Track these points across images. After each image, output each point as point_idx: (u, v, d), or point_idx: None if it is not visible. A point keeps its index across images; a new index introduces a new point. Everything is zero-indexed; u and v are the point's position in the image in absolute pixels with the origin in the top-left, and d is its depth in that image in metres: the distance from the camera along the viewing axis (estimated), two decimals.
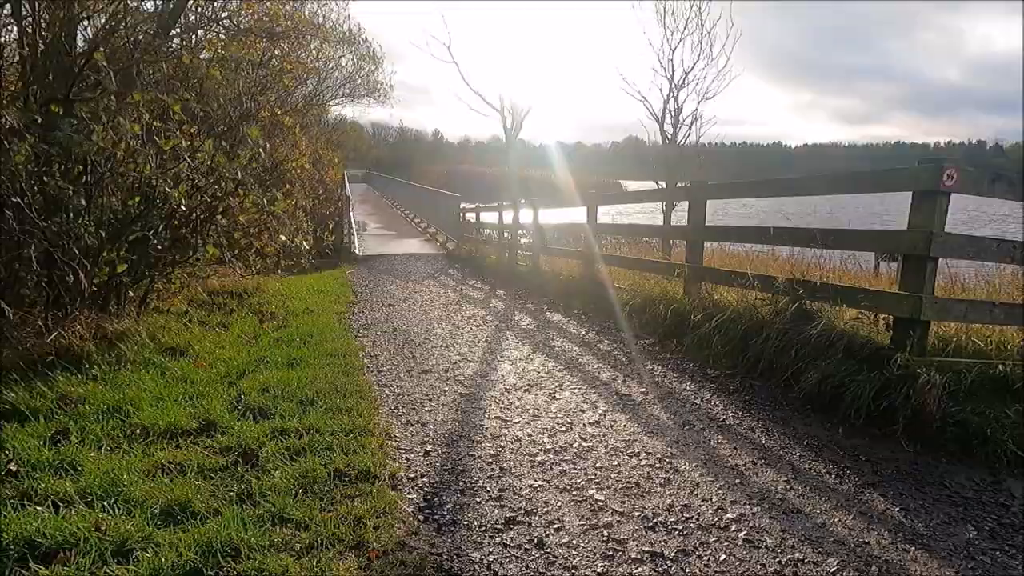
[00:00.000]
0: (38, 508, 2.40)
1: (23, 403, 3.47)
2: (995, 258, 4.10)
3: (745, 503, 2.67)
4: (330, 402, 3.68)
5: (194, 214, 6.03)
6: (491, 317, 6.85)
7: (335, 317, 6.52)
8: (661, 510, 2.61)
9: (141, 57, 6.27)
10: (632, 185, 38.96)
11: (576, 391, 4.15)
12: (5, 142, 4.40)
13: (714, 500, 2.70)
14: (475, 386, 4.28)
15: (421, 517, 2.53)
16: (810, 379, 3.72)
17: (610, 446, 3.25)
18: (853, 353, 3.75)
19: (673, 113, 15.32)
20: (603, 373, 4.58)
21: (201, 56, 9.50)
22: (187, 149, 5.60)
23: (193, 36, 10.86)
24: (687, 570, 2.20)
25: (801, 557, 2.28)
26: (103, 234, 4.95)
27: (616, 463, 3.05)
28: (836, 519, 2.54)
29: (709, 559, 2.27)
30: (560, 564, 2.23)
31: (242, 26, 11.02)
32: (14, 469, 2.73)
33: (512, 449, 3.21)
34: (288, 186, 11.52)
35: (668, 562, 2.24)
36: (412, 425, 3.54)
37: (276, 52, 12.69)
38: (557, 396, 4.05)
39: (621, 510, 2.60)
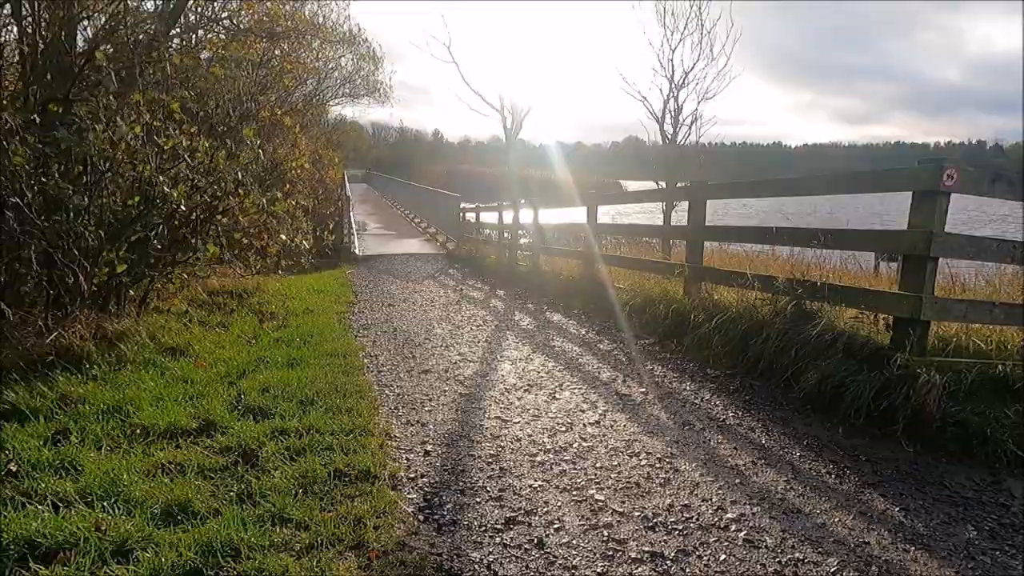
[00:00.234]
0: (38, 508, 2.40)
1: (23, 403, 3.47)
2: (995, 258, 4.11)
3: (745, 503, 2.67)
4: (330, 402, 3.68)
5: (194, 214, 6.03)
6: (491, 317, 6.85)
7: (335, 317, 6.52)
8: (661, 510, 2.61)
9: (142, 57, 6.26)
10: (632, 185, 38.95)
11: (576, 391, 4.15)
12: (4, 142, 4.39)
13: (714, 500, 2.70)
14: (475, 386, 4.28)
15: (421, 517, 2.53)
16: (810, 379, 3.72)
17: (610, 446, 3.25)
18: (853, 353, 3.75)
19: (673, 113, 15.32)
20: (603, 373, 4.58)
21: (201, 56, 9.51)
22: (187, 149, 5.60)
23: (193, 36, 10.87)
24: (687, 570, 2.20)
25: (801, 557, 2.28)
26: (103, 234, 4.95)
27: (616, 463, 3.05)
28: (836, 519, 2.54)
29: (709, 559, 2.27)
30: (560, 564, 2.23)
31: (242, 26, 11.03)
32: (14, 469, 2.73)
33: (512, 449, 3.21)
34: (288, 186, 11.51)
35: (668, 562, 2.24)
36: (412, 425, 3.54)
37: (276, 52, 12.69)
38: (557, 396, 4.05)
39: (621, 510, 2.60)
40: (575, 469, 2.99)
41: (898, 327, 3.73)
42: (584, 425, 3.54)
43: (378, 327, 6.20)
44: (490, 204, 15.17)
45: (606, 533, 2.43)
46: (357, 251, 14.57)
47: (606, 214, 10.45)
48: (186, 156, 5.59)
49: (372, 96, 25.15)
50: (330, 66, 21.19)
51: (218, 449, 3.04)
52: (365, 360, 4.86)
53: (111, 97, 5.27)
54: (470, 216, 16.17)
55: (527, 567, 2.21)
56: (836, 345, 3.83)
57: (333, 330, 5.77)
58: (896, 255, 5.57)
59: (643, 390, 4.17)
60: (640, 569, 2.20)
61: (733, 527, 2.48)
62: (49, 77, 5.62)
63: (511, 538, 2.39)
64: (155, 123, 5.47)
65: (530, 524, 2.49)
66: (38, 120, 4.80)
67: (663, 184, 14.97)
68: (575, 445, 3.26)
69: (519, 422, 3.59)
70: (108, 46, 6.32)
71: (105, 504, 2.46)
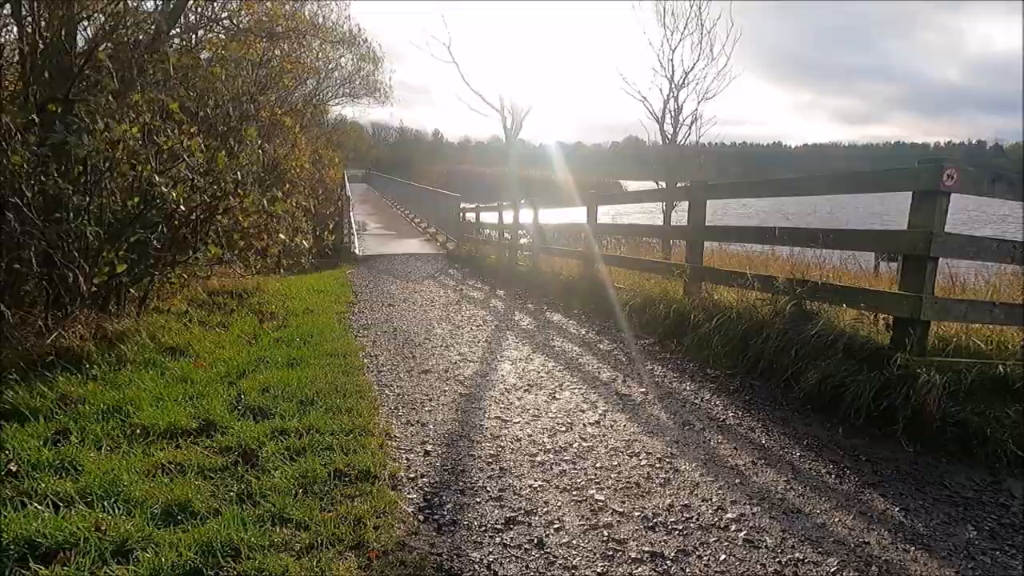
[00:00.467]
0: (38, 508, 2.40)
1: (23, 403, 3.47)
2: (995, 258, 4.11)
3: (745, 503, 2.67)
4: (330, 402, 3.68)
5: (194, 214, 6.03)
6: (491, 317, 6.85)
7: (335, 317, 6.52)
8: (661, 510, 2.61)
9: (142, 57, 6.26)
10: (632, 185, 38.97)
11: (576, 391, 4.15)
12: (4, 143, 4.39)
13: (714, 500, 2.70)
14: (475, 386, 4.28)
15: (421, 517, 2.53)
16: (810, 379, 3.72)
17: (610, 446, 3.25)
18: (853, 353, 3.75)
19: (673, 113, 15.31)
20: (603, 373, 4.58)
21: (201, 56, 9.50)
22: (186, 149, 5.60)
23: (193, 36, 10.86)
24: (687, 570, 2.20)
25: (801, 557, 2.28)
26: (103, 234, 4.95)
27: (616, 463, 3.05)
28: (836, 519, 2.54)
29: (709, 559, 2.27)
30: (560, 564, 2.23)
31: (242, 26, 11.03)
32: (14, 469, 2.73)
33: (512, 449, 3.21)
34: (288, 186, 11.51)
35: (668, 562, 2.24)
36: (412, 425, 3.54)
37: (276, 52, 12.69)
38: (557, 396, 4.05)
39: (621, 510, 2.60)
40: (575, 469, 2.99)
41: (898, 327, 3.73)
42: (584, 425, 3.54)
43: (378, 327, 6.20)
44: (490, 204, 15.17)
45: (606, 533, 2.43)
46: (357, 251, 14.57)
47: (606, 214, 10.44)
48: (185, 156, 5.58)
49: (372, 96, 25.19)
50: (330, 66, 21.21)
51: (218, 449, 3.04)
52: (365, 360, 4.86)
53: (111, 97, 5.28)
54: (470, 216, 16.17)
55: (527, 567, 2.21)
56: (836, 345, 3.82)
57: (333, 330, 5.77)
58: (896, 255, 5.57)
59: (643, 390, 4.17)
60: (640, 569, 2.20)
61: (733, 527, 2.48)
62: (49, 77, 5.62)
63: (511, 538, 2.39)
64: (155, 123, 5.47)
65: (530, 524, 2.49)
66: (38, 120, 4.80)
67: (663, 184, 14.97)
68: (575, 445, 3.26)
69: (519, 422, 3.59)
70: (108, 45, 6.32)
71: (105, 504, 2.46)
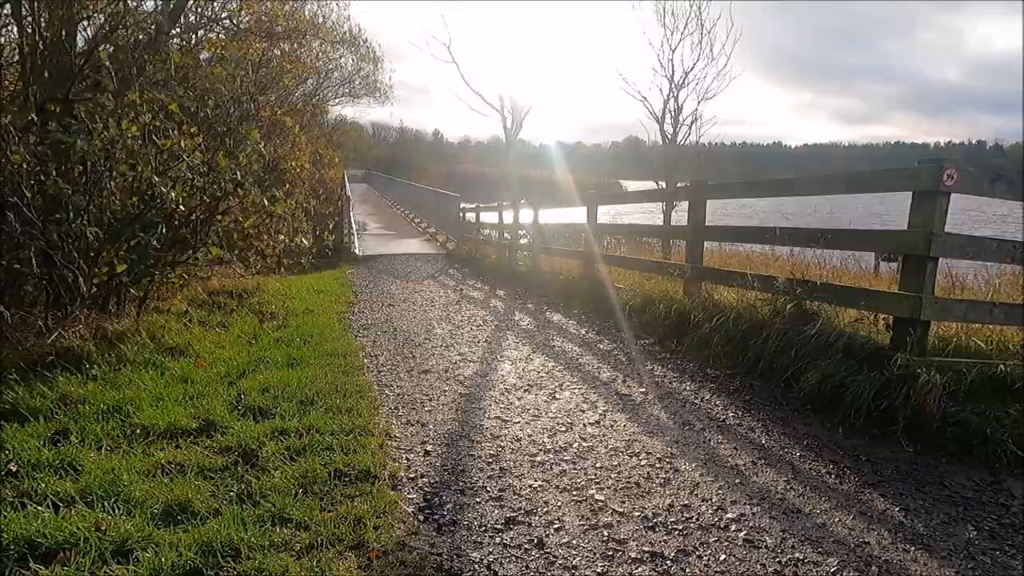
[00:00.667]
0: (38, 508, 2.40)
1: (23, 403, 3.47)
2: (995, 258, 4.11)
3: (745, 503, 2.67)
4: (330, 402, 3.68)
5: (194, 214, 6.03)
6: (491, 317, 6.85)
7: (335, 317, 6.52)
8: (661, 510, 2.61)
9: (142, 57, 6.26)
10: (632, 185, 38.97)
11: (576, 391, 4.15)
12: (3, 143, 4.39)
13: (714, 500, 2.70)
14: (475, 386, 4.28)
15: (421, 517, 2.53)
16: (810, 379, 3.72)
17: (610, 446, 3.25)
18: (853, 353, 3.75)
19: (673, 113, 15.30)
20: (603, 373, 4.58)
21: (201, 56, 9.50)
22: (186, 149, 5.60)
23: (193, 36, 10.86)
24: (687, 570, 2.20)
25: (801, 557, 2.28)
26: (102, 234, 4.95)
27: (616, 463, 3.05)
28: (836, 519, 2.54)
29: (709, 559, 2.27)
30: (560, 564, 2.23)
31: (242, 26, 11.03)
32: (14, 469, 2.72)
33: (512, 449, 3.21)
34: (288, 186, 11.51)
35: (668, 562, 2.24)
36: (412, 425, 3.54)
37: (276, 52, 12.69)
38: (557, 396, 4.05)
39: (621, 510, 2.60)
40: (575, 469, 2.99)
41: (898, 327, 3.73)
42: (584, 425, 3.54)
43: (378, 327, 6.20)
44: (490, 204, 15.17)
45: (606, 533, 2.43)
46: (357, 251, 14.57)
47: (606, 214, 10.46)
48: (185, 156, 5.58)
49: (372, 96, 25.23)
50: (330, 66, 21.22)
51: (218, 449, 3.04)
52: (365, 360, 4.86)
53: (110, 97, 5.27)
54: (470, 216, 16.17)
55: (527, 567, 2.21)
56: (836, 345, 3.82)
57: (333, 330, 5.77)
58: (896, 255, 5.57)
59: (643, 390, 4.17)
60: (640, 569, 2.20)
61: (733, 527, 2.48)
62: (49, 77, 5.62)
63: (511, 538, 2.39)
64: (155, 123, 5.47)
65: (530, 524, 2.49)
66: (37, 120, 4.80)
67: (663, 184, 14.97)
68: (575, 445, 3.26)
69: (519, 422, 3.59)
70: (108, 46, 6.32)
71: (105, 504, 2.46)
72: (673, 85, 15.13)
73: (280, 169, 10.05)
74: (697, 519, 2.54)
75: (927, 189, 3.58)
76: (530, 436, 3.38)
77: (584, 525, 2.49)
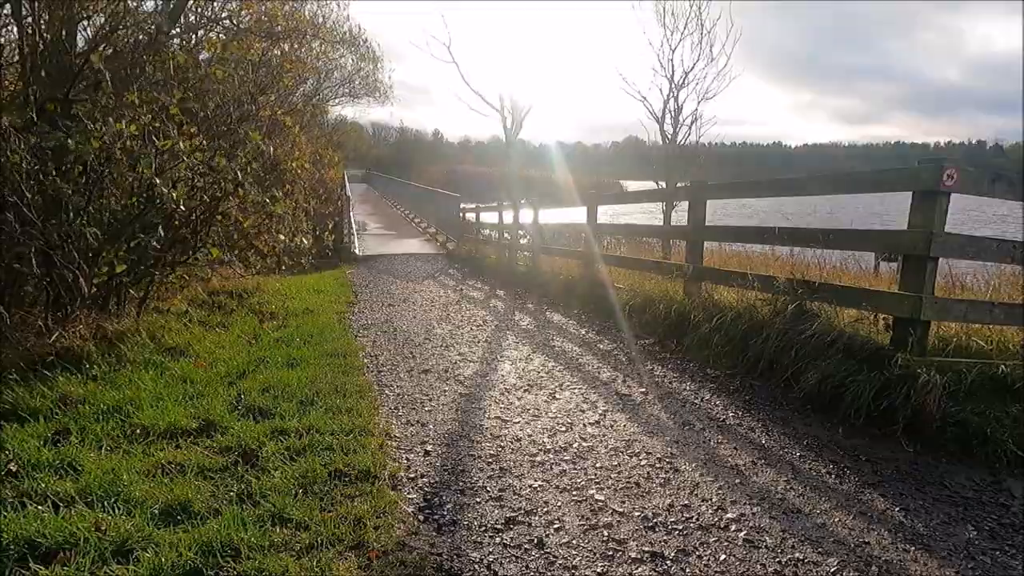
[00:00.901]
0: (38, 508, 2.40)
1: (23, 403, 3.47)
2: (995, 258, 4.10)
3: (745, 503, 2.67)
4: (330, 402, 3.68)
5: (193, 215, 6.02)
6: (491, 317, 6.85)
7: (335, 317, 6.52)
8: (661, 510, 2.61)
9: (142, 57, 6.26)
10: (632, 185, 38.98)
11: (576, 391, 4.15)
12: (3, 143, 4.39)
13: (714, 500, 2.70)
14: (475, 386, 4.28)
15: (421, 517, 2.53)
16: (810, 379, 3.72)
17: (610, 446, 3.25)
18: (853, 353, 3.74)
19: (673, 113, 15.32)
20: (603, 373, 4.58)
21: (201, 56, 9.49)
22: (185, 150, 5.59)
23: (193, 36, 10.85)
24: (687, 570, 2.20)
25: (801, 557, 2.28)
26: (102, 234, 4.95)
27: (616, 463, 3.05)
28: (836, 519, 2.54)
29: (709, 559, 2.27)
30: (560, 564, 2.23)
31: (242, 26, 11.01)
32: (14, 469, 2.72)
33: (512, 449, 3.21)
34: (288, 186, 11.51)
35: (668, 562, 2.24)
36: (412, 425, 3.54)
37: (276, 52, 12.68)
38: (557, 396, 4.05)
39: (621, 510, 2.60)
40: (575, 469, 2.99)
41: (898, 327, 3.73)
42: (584, 425, 3.54)
43: (378, 327, 6.20)
44: (490, 204, 15.17)
45: (606, 533, 2.43)
46: (357, 251, 14.57)
47: (605, 214, 10.45)
48: (185, 156, 5.58)
49: (372, 96, 25.20)
50: (330, 66, 21.21)
51: (218, 449, 3.04)
52: (365, 360, 4.86)
53: (111, 97, 5.27)
54: (470, 216, 16.17)
55: (527, 567, 2.21)
56: (836, 345, 3.82)
57: (333, 330, 5.77)
58: (896, 255, 5.57)
59: (643, 390, 4.17)
60: (640, 569, 2.20)
61: (733, 527, 2.48)
62: (48, 77, 5.62)
63: (511, 538, 2.39)
64: (155, 123, 5.47)
65: (530, 524, 2.49)
66: (37, 120, 4.80)
67: (663, 184, 14.97)
68: (575, 445, 3.26)
69: (519, 422, 3.59)
70: (108, 46, 6.32)
71: (105, 504, 2.46)
72: (673, 85, 15.16)
73: (280, 169, 10.05)
74: (697, 519, 2.54)
75: (927, 189, 3.58)
76: (530, 436, 3.38)
77: (584, 525, 2.48)
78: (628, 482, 2.86)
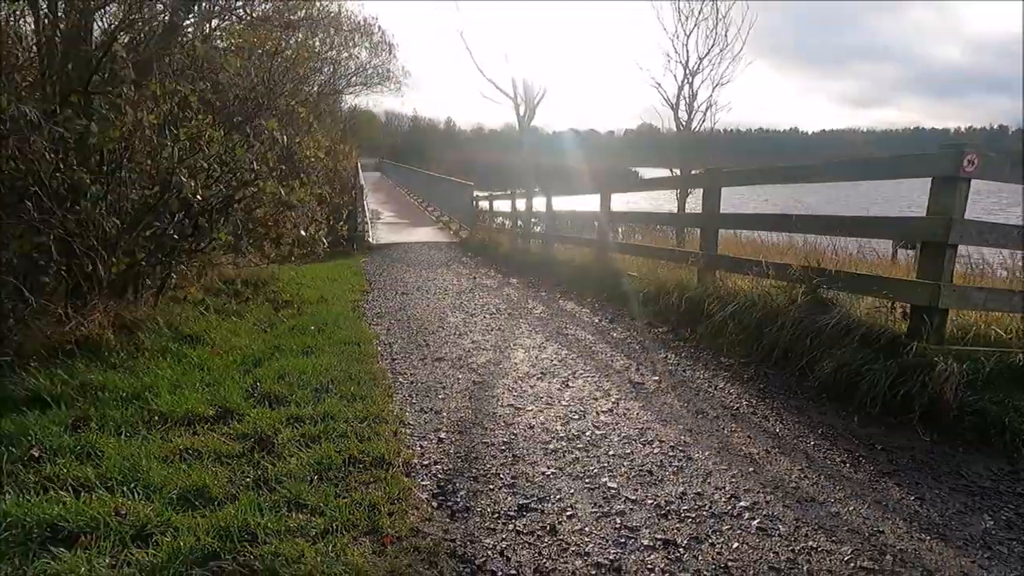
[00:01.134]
0: (60, 493, 2.44)
1: (45, 390, 3.52)
2: (1018, 245, 4.04)
3: (758, 491, 2.66)
4: (344, 390, 3.71)
5: (211, 203, 6.06)
6: (504, 305, 6.85)
7: (349, 305, 6.56)
8: (674, 498, 2.61)
9: (159, 46, 6.28)
10: (646, 172, 38.71)
11: (589, 379, 4.15)
12: (25, 133, 4.43)
13: (727, 488, 2.69)
14: (488, 374, 4.29)
15: (435, 503, 2.56)
16: (825, 368, 3.70)
17: (623, 434, 3.25)
18: (869, 342, 3.71)
19: (687, 99, 15.15)
20: (616, 361, 4.58)
21: (217, 45, 9.53)
22: (203, 139, 5.62)
23: (207, 25, 10.88)
24: (699, 558, 2.20)
25: (814, 546, 2.27)
26: (120, 223, 5.00)
27: (629, 451, 3.06)
28: (850, 508, 2.53)
29: (722, 547, 2.27)
30: (573, 551, 2.24)
31: (256, 15, 11.03)
32: (37, 455, 2.78)
33: (525, 436, 3.22)
34: (304, 176, 11.55)
35: (680, 549, 2.25)
36: (426, 412, 3.56)
37: (291, 41, 12.69)
38: (570, 384, 4.06)
39: (634, 498, 2.61)
40: (588, 457, 2.99)
41: (915, 315, 3.69)
42: (597, 413, 3.55)
43: (392, 315, 6.23)
44: (503, 192, 15.14)
45: (619, 520, 2.44)
46: (371, 240, 14.62)
47: (619, 202, 10.39)
48: (204, 146, 5.61)
49: (385, 84, 25.21)
50: (344, 55, 21.21)
51: (235, 436, 3.08)
52: (379, 348, 4.89)
53: (130, 87, 5.30)
54: (483, 204, 16.15)
55: (540, 553, 2.22)
56: (852, 333, 3.79)
57: (347, 318, 5.81)
58: (914, 242, 5.49)
59: (656, 378, 4.16)
60: (652, 556, 2.21)
61: (746, 515, 2.48)
62: (66, 67, 5.65)
63: (524, 525, 2.41)
64: (176, 112, 5.49)
65: (543, 511, 2.51)
66: (57, 110, 4.84)
67: (677, 171, 14.85)
68: (588, 433, 3.27)
69: (532, 410, 3.60)
70: (124, 35, 6.34)
71: (125, 489, 2.50)
72: (687, 71, 14.98)
73: (296, 159, 10.07)
74: (710, 507, 2.54)
75: (946, 175, 3.53)
76: (543, 424, 3.39)
77: (597, 512, 2.49)
78: (641, 470, 2.86)
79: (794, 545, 2.27)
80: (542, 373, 4.29)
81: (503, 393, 3.89)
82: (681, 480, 2.77)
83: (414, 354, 4.77)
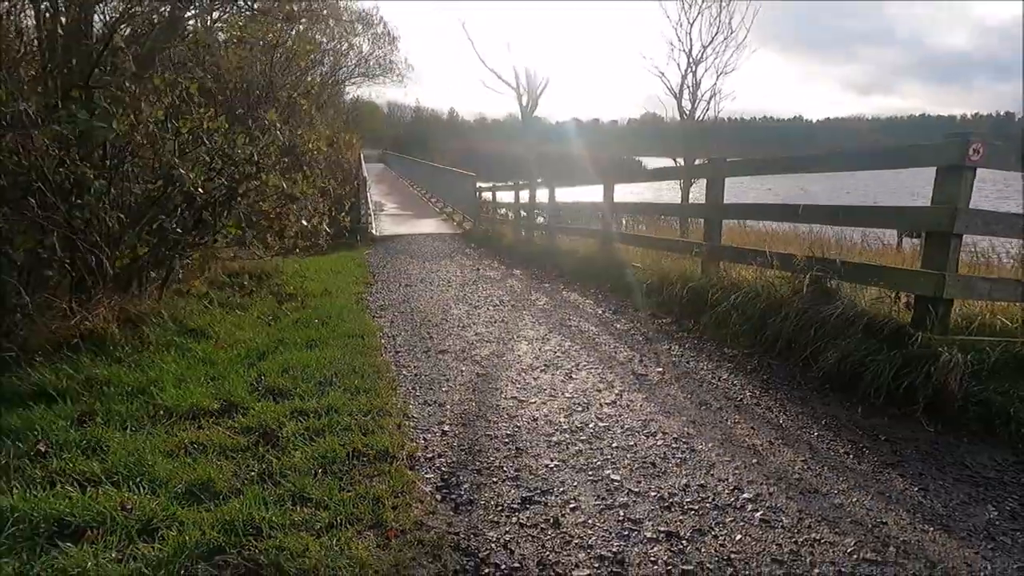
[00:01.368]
0: (66, 487, 2.46)
1: (50, 385, 3.54)
2: (1023, 235, 4.01)
3: (762, 483, 2.66)
4: (348, 383, 3.72)
5: (214, 197, 6.07)
6: (508, 296, 6.85)
7: (353, 298, 6.56)
8: (677, 490, 2.61)
9: (161, 38, 6.26)
10: (650, 162, 38.57)
11: (593, 371, 4.15)
12: (27, 129, 4.43)
13: (731, 480, 2.69)
14: (492, 366, 4.29)
15: (439, 496, 2.56)
16: (829, 358, 3.69)
17: (626, 426, 3.26)
18: (873, 332, 3.70)
19: (691, 88, 15.09)
20: (620, 353, 4.58)
21: (219, 37, 9.49)
22: (205, 131, 5.62)
23: (209, 17, 10.84)
24: (703, 549, 2.21)
25: (818, 537, 2.27)
26: (124, 217, 5.00)
27: (632, 443, 3.06)
28: (854, 499, 2.53)
29: (725, 539, 2.27)
30: (576, 543, 2.24)
31: (257, 6, 10.98)
32: (43, 449, 2.79)
33: (529, 429, 3.23)
34: (306, 168, 11.54)
35: (684, 541, 2.25)
36: (429, 405, 3.56)
37: (293, 33, 12.63)
38: (574, 376, 4.06)
39: (637, 490, 2.61)
40: (591, 449, 3.00)
41: (920, 305, 3.67)
42: (601, 405, 3.55)
43: (395, 308, 6.23)
44: (506, 183, 15.11)
45: (622, 513, 2.44)
46: (374, 232, 14.61)
47: (622, 192, 10.36)
48: (205, 139, 5.60)
49: (387, 75, 25.15)
50: (345, 46, 21.14)
51: (239, 429, 3.09)
52: (383, 341, 4.89)
53: (132, 79, 5.29)
54: (487, 196, 16.13)
55: (543, 546, 2.23)
56: (856, 324, 3.78)
57: (351, 311, 5.81)
58: (919, 232, 5.46)
59: (660, 370, 4.16)
60: (656, 548, 2.21)
61: (749, 507, 2.48)
62: (66, 61, 5.64)
63: (527, 517, 2.41)
64: (177, 104, 5.48)
65: (546, 504, 2.51)
66: (59, 105, 4.84)
67: (680, 161, 14.80)
68: (591, 425, 3.27)
69: (536, 402, 3.60)
70: (125, 27, 6.32)
71: (130, 483, 2.52)
72: (691, 60, 14.91)
73: (298, 151, 10.06)
74: (713, 499, 2.54)
75: (952, 164, 3.51)
76: (547, 416, 3.39)
77: (600, 505, 2.50)
78: (644, 462, 2.86)
79: (797, 537, 2.27)
80: (545, 365, 4.29)
81: (506, 385, 3.89)
82: (684, 472, 2.77)
83: (418, 347, 4.78)
